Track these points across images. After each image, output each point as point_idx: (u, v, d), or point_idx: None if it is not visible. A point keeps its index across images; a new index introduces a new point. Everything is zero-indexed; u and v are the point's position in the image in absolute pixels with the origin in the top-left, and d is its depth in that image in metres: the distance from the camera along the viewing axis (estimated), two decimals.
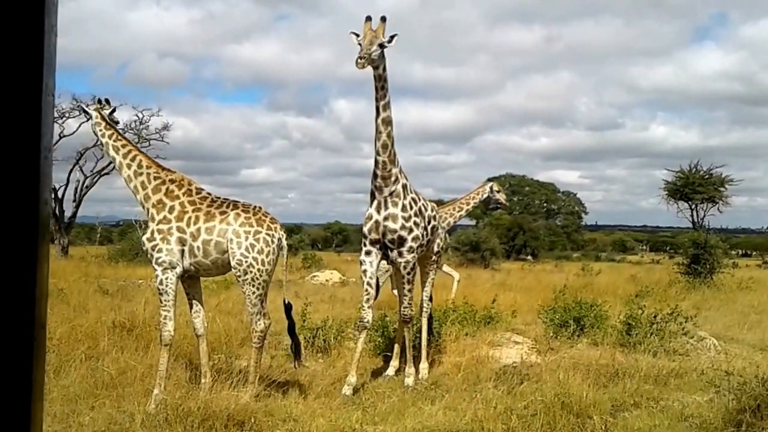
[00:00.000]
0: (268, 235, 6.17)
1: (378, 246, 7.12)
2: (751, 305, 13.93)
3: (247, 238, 6.10)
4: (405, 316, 7.38)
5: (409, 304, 7.29)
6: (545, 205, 66.81)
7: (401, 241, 7.01)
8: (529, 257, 45.99)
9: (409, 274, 7.14)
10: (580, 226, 67.41)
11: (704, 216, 37.88)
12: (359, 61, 6.21)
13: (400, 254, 7.04)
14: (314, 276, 20.08)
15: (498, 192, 12.52)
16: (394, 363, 7.78)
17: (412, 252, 7.05)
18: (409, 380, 7.21)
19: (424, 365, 7.66)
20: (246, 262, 6.08)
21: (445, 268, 12.46)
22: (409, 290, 7.24)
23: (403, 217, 6.99)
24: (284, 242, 6.35)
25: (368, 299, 7.08)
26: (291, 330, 6.56)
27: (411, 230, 7.01)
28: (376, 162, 6.83)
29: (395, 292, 11.62)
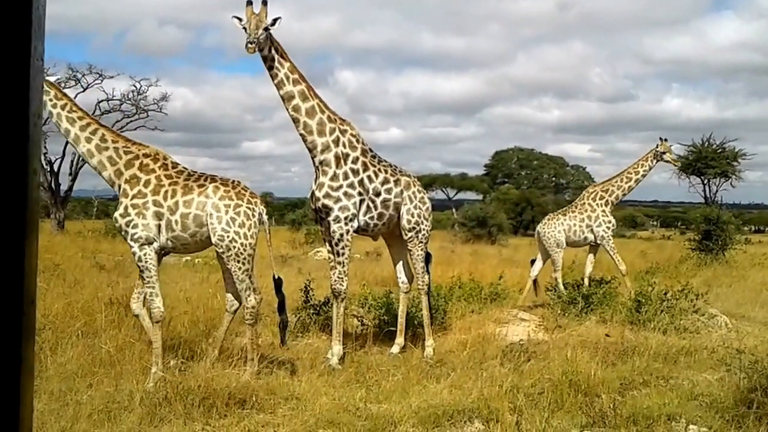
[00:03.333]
0: (248, 208, 6.05)
1: (318, 217, 7.15)
2: (763, 282, 13.69)
3: (227, 212, 5.98)
4: (333, 290, 7.21)
5: (338, 278, 7.08)
6: (554, 179, 66.16)
7: (327, 210, 6.94)
8: None
9: (337, 245, 6.99)
10: None
11: (717, 191, 37.47)
12: (249, 46, 6.29)
13: (329, 224, 6.96)
14: (317, 251, 19.99)
15: (665, 153, 11.75)
16: (399, 340, 7.68)
17: (339, 222, 6.90)
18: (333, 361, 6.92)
19: (429, 342, 7.57)
20: (228, 237, 5.96)
21: (612, 253, 11.25)
22: (338, 263, 7.04)
23: (330, 186, 6.89)
24: (264, 217, 6.27)
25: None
26: (281, 307, 6.41)
27: (338, 200, 6.89)
28: None
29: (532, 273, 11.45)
